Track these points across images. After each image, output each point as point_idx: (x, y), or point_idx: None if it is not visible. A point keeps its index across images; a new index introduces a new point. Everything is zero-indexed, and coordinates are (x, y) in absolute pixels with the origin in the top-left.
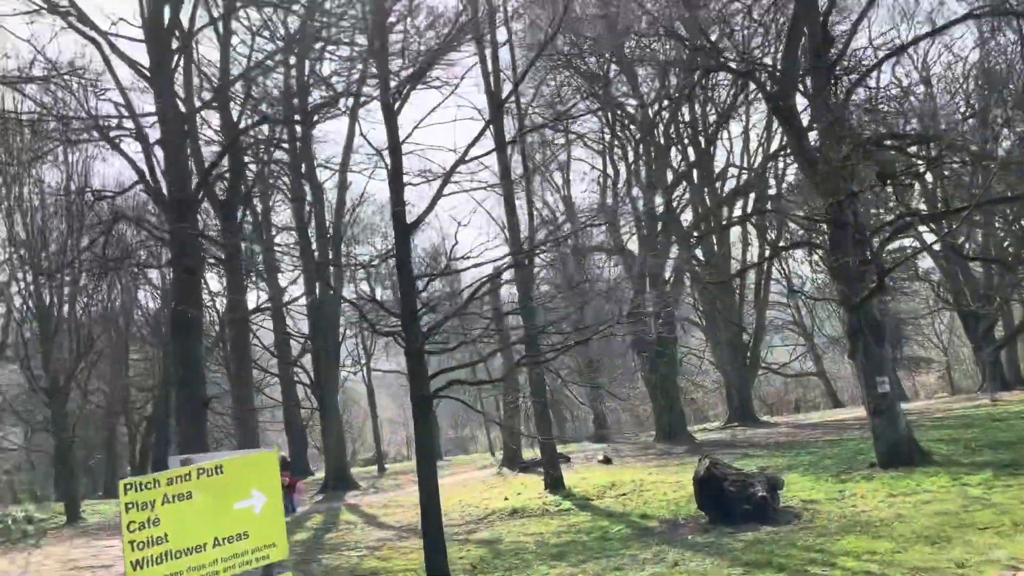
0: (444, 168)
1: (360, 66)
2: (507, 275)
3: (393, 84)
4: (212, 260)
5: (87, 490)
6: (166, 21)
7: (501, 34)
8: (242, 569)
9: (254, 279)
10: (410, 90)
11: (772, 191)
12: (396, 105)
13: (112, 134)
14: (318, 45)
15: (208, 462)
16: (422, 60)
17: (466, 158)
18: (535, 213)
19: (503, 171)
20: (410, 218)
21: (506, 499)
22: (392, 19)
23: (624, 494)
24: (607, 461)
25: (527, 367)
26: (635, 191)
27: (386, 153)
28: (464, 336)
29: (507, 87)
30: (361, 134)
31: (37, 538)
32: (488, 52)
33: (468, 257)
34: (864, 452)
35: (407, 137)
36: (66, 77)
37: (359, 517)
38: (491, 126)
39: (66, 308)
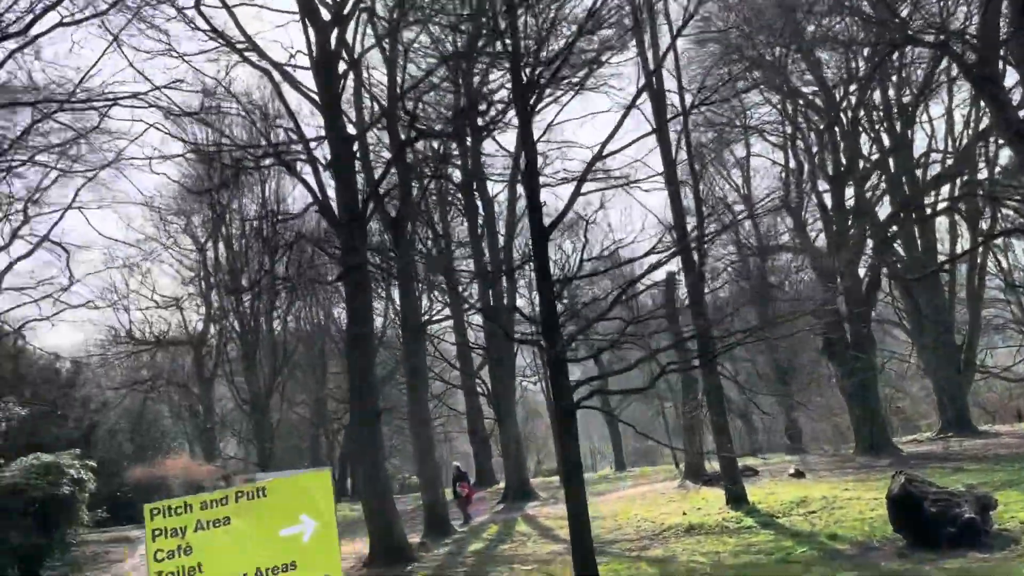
0: (610, 170)
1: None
2: (669, 274)
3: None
4: (384, 275)
5: None
6: (333, 45)
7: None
8: None
9: (427, 291)
10: (544, 87)
11: (983, 175)
12: (531, 101)
13: (288, 159)
14: (484, 59)
15: (248, 484)
16: (565, 54)
17: (603, 153)
18: (707, 210)
19: (667, 164)
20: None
21: (684, 514)
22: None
23: (813, 512)
24: (798, 475)
25: (684, 371)
26: (821, 184)
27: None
28: (618, 340)
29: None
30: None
31: None
32: (648, 48)
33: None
34: None
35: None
36: (240, 109)
37: (534, 529)
38: (655, 123)
39: (264, 326)
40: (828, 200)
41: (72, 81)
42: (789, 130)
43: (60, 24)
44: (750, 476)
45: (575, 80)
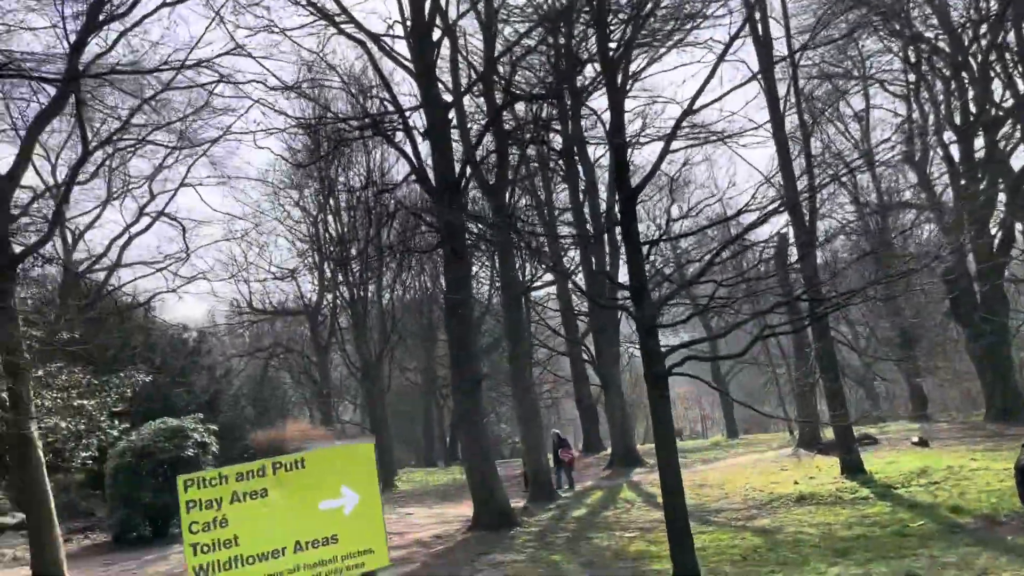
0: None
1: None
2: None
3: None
4: (483, 243)
5: (416, 458)
6: (427, 13)
7: None
8: None
9: (529, 259)
10: (630, 43)
11: None
12: (616, 57)
13: (385, 129)
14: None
15: (287, 456)
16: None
17: (693, 108)
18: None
19: (773, 112)
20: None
21: (796, 483)
22: None
23: (935, 482)
24: (922, 443)
25: (785, 334)
26: (947, 135)
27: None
28: (709, 303)
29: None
30: (594, 113)
31: None
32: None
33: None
34: None
35: (694, 104)
36: (340, 81)
37: (638, 495)
38: (760, 76)
39: (373, 296)
40: (955, 152)
41: (179, 59)
42: (912, 79)
43: (164, 4)
44: (869, 445)
45: (665, 35)
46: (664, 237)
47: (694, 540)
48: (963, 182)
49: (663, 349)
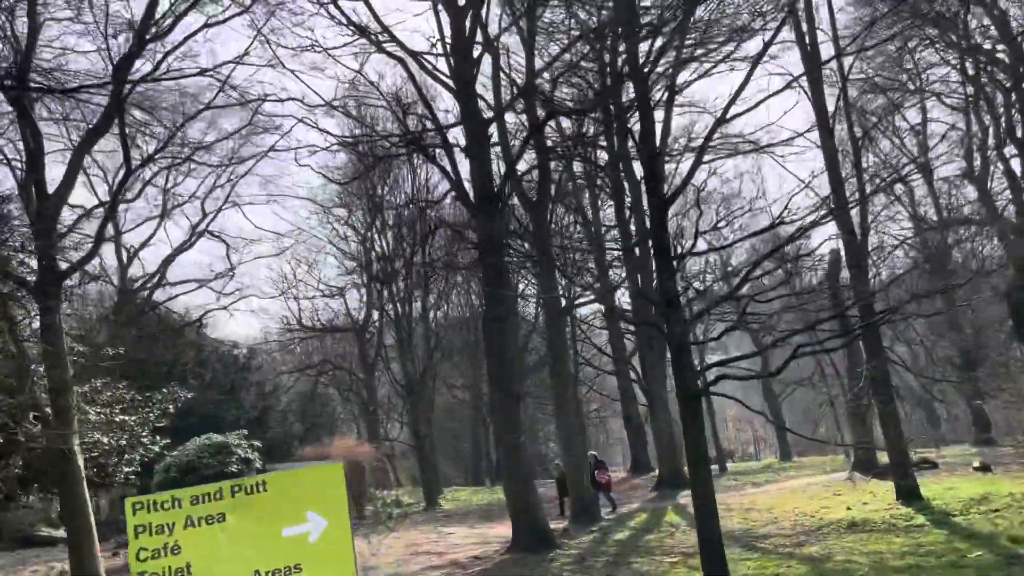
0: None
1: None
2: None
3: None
4: (524, 259)
5: (463, 476)
6: (467, 29)
7: None
8: None
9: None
10: (659, 54)
11: None
12: (645, 68)
13: (425, 145)
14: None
15: (247, 479)
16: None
17: (727, 116)
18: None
19: (820, 116)
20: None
21: (848, 508)
22: None
23: (997, 510)
24: (984, 469)
25: (823, 352)
26: (1008, 149)
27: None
28: (739, 320)
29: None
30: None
31: (396, 523)
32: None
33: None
34: None
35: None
36: (381, 99)
37: (684, 519)
38: (806, 82)
39: (417, 312)
40: (1017, 166)
41: (222, 77)
42: (970, 91)
43: (207, 25)
44: (927, 469)
45: (709, 48)
46: (694, 251)
47: (738, 567)
48: None
49: (698, 368)
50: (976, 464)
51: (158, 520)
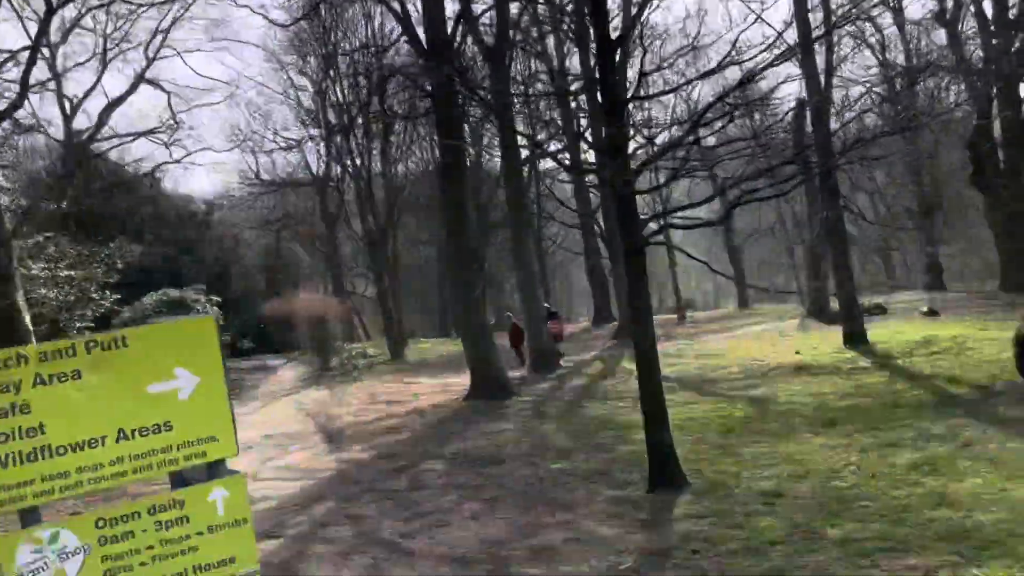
0: None
1: None
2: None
3: None
4: (479, 107)
5: (433, 331)
6: None
7: None
8: (165, 470)
9: (531, 126)
10: None
11: None
12: None
13: None
14: None
15: (103, 334)
16: None
17: None
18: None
19: None
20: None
21: (797, 353)
22: None
23: (937, 352)
24: (932, 313)
25: (763, 199)
26: None
27: None
28: (683, 165)
29: None
30: None
31: (360, 373)
32: None
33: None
34: None
35: None
36: None
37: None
38: None
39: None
40: (988, 7)
41: None
42: None
43: None
44: (877, 315)
45: None
46: (639, 96)
47: (689, 409)
48: (995, 41)
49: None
50: (924, 309)
51: (3, 379)
